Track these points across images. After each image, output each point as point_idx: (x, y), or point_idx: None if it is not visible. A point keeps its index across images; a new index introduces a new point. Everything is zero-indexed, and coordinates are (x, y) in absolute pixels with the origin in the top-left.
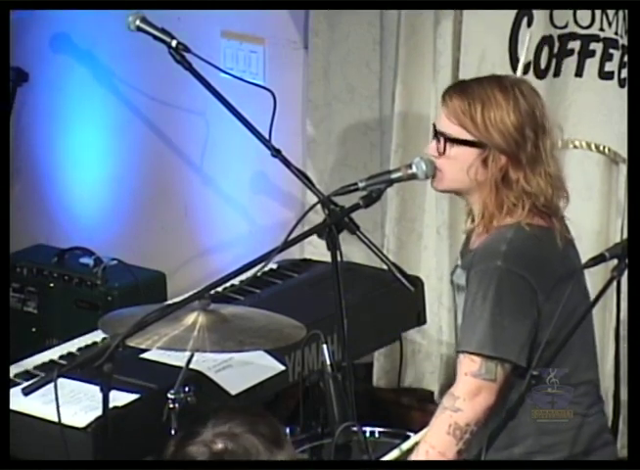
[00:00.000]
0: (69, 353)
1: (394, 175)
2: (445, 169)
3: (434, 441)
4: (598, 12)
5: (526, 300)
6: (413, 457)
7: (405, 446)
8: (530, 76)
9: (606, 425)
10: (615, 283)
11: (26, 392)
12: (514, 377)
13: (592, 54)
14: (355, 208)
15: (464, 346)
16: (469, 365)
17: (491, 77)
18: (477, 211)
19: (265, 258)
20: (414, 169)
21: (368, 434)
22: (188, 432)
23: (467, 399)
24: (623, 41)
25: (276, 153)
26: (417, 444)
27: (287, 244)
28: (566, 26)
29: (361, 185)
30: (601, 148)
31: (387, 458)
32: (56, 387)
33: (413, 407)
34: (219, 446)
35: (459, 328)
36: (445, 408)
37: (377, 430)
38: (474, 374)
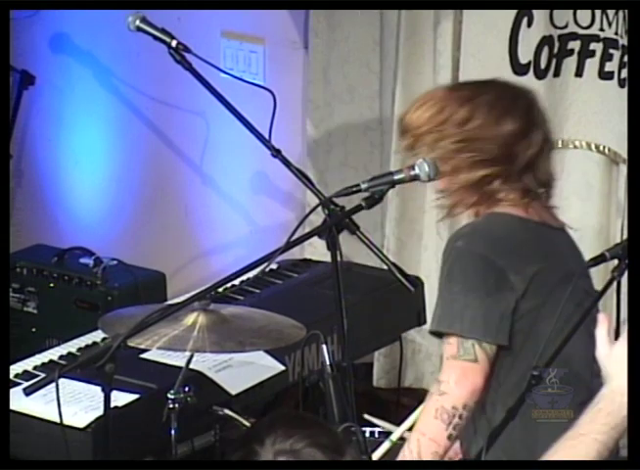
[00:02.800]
0: (70, 353)
1: (397, 177)
2: None
3: (424, 427)
4: (598, 12)
5: (490, 278)
6: (405, 448)
7: (394, 436)
8: (530, 77)
9: None
10: (615, 283)
11: (28, 392)
12: (513, 373)
13: (592, 54)
14: (357, 209)
15: (433, 326)
16: (448, 349)
17: None
18: None
19: (267, 259)
20: (416, 171)
21: (368, 434)
22: (246, 452)
23: (451, 381)
24: (623, 41)
25: (276, 153)
26: (407, 431)
27: (289, 245)
28: (566, 26)
29: (363, 186)
30: (601, 148)
31: (379, 452)
32: (57, 387)
33: (413, 407)
34: (281, 458)
35: None
36: (432, 394)
37: (377, 430)
38: (454, 357)
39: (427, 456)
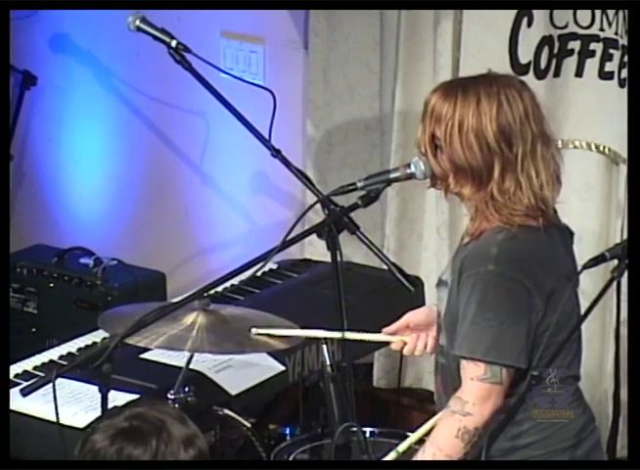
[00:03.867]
0: (69, 353)
1: (393, 175)
2: None
3: (442, 444)
4: (598, 12)
5: (522, 302)
6: (418, 458)
7: (401, 447)
8: (530, 77)
9: (591, 416)
10: (615, 283)
11: (25, 392)
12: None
13: (592, 54)
14: (354, 207)
15: (467, 352)
16: (474, 370)
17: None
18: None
19: (264, 257)
20: (412, 169)
21: (368, 434)
22: (85, 444)
23: (477, 403)
24: (623, 41)
25: (276, 153)
26: (415, 444)
27: (286, 243)
28: (566, 26)
29: (360, 185)
30: (601, 148)
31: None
32: (54, 387)
33: (413, 407)
34: (125, 424)
35: (445, 325)
36: (454, 412)
37: (377, 430)
38: (480, 378)
39: None
